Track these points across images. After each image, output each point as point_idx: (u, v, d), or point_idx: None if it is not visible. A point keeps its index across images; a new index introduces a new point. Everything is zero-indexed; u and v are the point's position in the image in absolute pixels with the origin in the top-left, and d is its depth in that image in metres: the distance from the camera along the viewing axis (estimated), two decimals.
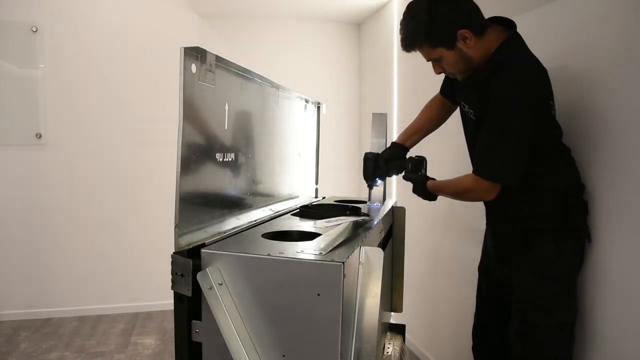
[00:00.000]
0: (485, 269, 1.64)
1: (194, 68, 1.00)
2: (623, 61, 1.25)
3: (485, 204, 1.54)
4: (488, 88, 1.31)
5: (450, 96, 1.68)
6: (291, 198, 1.83)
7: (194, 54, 0.99)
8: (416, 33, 1.40)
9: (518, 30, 1.38)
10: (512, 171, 1.30)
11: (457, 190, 1.47)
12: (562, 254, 1.34)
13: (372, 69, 3.50)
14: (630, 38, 1.23)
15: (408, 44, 1.45)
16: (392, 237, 1.74)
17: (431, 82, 2.57)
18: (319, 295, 0.87)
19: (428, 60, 1.45)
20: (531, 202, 1.37)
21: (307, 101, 1.99)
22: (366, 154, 1.71)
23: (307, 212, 1.52)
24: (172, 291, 0.98)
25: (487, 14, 1.40)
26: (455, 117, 1.74)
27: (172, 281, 0.97)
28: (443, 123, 1.79)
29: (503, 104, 1.28)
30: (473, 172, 1.37)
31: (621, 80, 1.26)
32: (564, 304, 1.35)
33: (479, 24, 1.35)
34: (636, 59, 1.21)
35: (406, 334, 1.82)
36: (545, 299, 1.35)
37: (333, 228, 1.15)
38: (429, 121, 1.77)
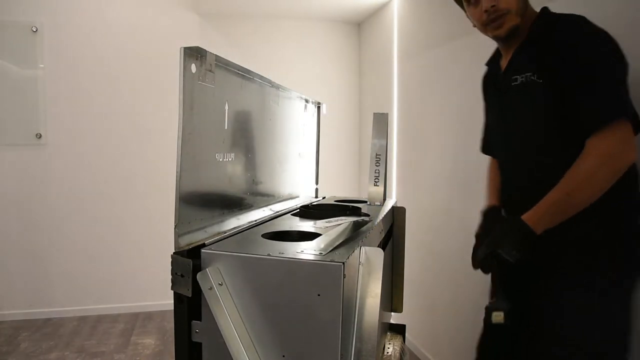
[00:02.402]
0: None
1: (194, 68, 1.00)
2: None
3: (516, 202, 1.22)
4: (550, 45, 1.11)
5: (488, 149, 1.49)
6: (291, 198, 1.83)
7: (194, 54, 0.99)
8: None
9: None
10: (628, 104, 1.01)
11: (588, 174, 1.02)
12: (627, 288, 1.07)
13: (372, 69, 3.50)
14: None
15: None
16: (392, 237, 1.74)
17: (431, 83, 2.58)
18: (319, 295, 0.87)
19: None
20: (596, 213, 1.05)
21: (307, 101, 1.99)
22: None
23: (307, 212, 1.52)
24: (172, 291, 0.98)
25: None
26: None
27: (172, 281, 0.97)
28: None
29: (588, 49, 1.05)
30: (591, 136, 1.02)
31: None
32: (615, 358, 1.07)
33: None
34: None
35: (406, 334, 1.82)
36: (589, 348, 1.06)
37: (333, 228, 1.15)
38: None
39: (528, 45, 1.18)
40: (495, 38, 1.27)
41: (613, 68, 1.04)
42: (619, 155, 1.01)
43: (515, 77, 1.19)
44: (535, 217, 1.08)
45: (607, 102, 1.02)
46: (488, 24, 1.22)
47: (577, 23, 1.09)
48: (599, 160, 1.01)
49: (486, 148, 1.50)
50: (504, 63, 1.29)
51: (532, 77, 1.13)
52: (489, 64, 1.41)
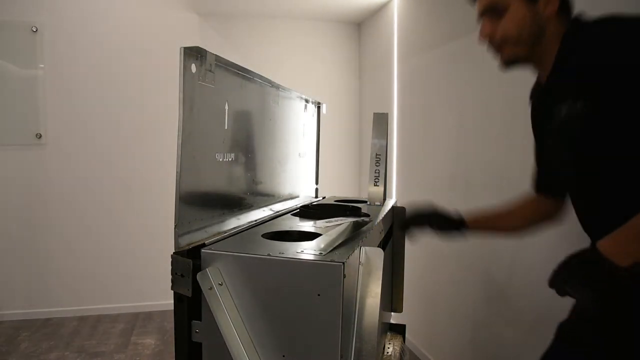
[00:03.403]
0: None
1: (193, 68, 1.00)
2: None
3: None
4: (585, 67, 0.93)
5: (554, 189, 1.24)
6: (291, 198, 1.83)
7: (194, 53, 0.99)
8: None
9: None
10: None
11: None
12: None
13: (372, 69, 3.50)
14: None
15: None
16: (392, 237, 1.74)
17: (431, 83, 2.58)
18: (319, 295, 0.87)
19: (483, 11, 1.08)
20: None
21: (307, 101, 1.99)
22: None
23: (307, 212, 1.52)
24: (172, 291, 0.98)
25: None
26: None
27: (172, 281, 0.97)
28: (532, 228, 1.33)
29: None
30: None
31: None
32: None
33: None
34: None
35: (406, 334, 1.82)
36: None
37: (333, 228, 1.15)
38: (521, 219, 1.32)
39: (560, 70, 1.02)
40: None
41: None
42: None
43: (559, 107, 1.01)
44: (615, 244, 0.86)
45: None
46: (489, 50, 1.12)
47: (611, 28, 0.91)
48: None
49: (541, 187, 1.29)
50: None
51: (575, 106, 0.96)
52: (532, 97, 1.22)
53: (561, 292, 0.92)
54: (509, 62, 1.08)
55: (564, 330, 1.10)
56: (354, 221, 1.21)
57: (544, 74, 1.07)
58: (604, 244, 0.86)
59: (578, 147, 1.00)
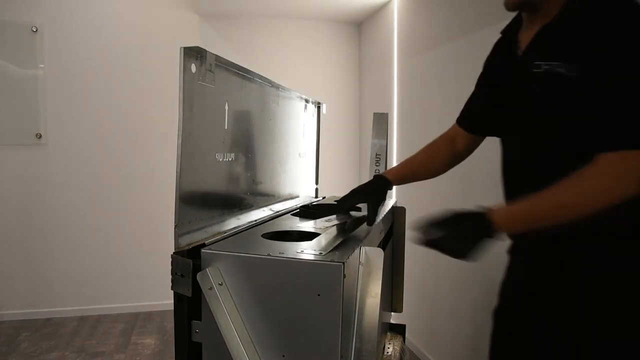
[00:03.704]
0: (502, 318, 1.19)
1: (193, 68, 1.00)
2: None
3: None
4: (582, 30, 0.92)
5: (473, 125, 1.30)
6: (291, 198, 1.83)
7: (194, 53, 0.99)
8: None
9: None
10: None
11: (589, 191, 0.88)
12: None
13: (372, 69, 3.50)
14: None
15: None
16: (392, 237, 1.74)
17: (431, 83, 2.58)
18: (319, 295, 0.87)
19: None
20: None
21: (307, 101, 1.99)
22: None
23: (307, 212, 1.52)
24: (172, 291, 0.98)
25: None
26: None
27: (172, 281, 0.97)
28: (447, 169, 1.40)
29: (628, 45, 0.86)
30: (606, 151, 0.86)
31: None
32: None
33: None
34: None
35: (406, 334, 1.82)
36: None
37: (333, 227, 1.15)
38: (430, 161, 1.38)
39: (558, 25, 0.97)
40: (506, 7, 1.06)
41: None
42: (623, 186, 0.85)
43: (538, 63, 0.97)
44: (508, 219, 0.93)
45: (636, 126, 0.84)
46: None
47: (622, 7, 0.88)
48: (607, 182, 0.86)
49: (467, 122, 1.33)
50: (524, 39, 1.06)
51: (560, 70, 0.93)
52: (504, 32, 1.17)
53: (432, 243, 0.99)
54: (518, 5, 1.03)
55: (498, 315, 1.15)
56: (354, 219, 1.21)
57: (536, 23, 1.03)
58: (498, 214, 0.92)
59: (539, 102, 1.01)
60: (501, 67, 1.17)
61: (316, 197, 2.10)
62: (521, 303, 1.11)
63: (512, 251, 1.19)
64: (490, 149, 2.17)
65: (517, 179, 1.14)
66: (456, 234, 0.97)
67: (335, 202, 1.32)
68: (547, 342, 1.00)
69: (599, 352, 0.94)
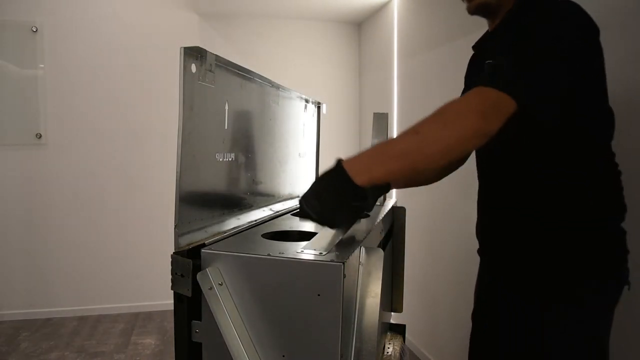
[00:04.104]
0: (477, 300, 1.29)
1: (193, 68, 1.00)
2: None
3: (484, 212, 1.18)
4: (516, 24, 1.01)
5: None
6: (291, 198, 1.83)
7: (194, 53, 0.99)
8: None
9: None
10: (546, 94, 0.88)
11: (440, 116, 0.92)
12: (600, 304, 0.99)
13: (372, 69, 3.50)
14: None
15: None
16: (392, 237, 1.74)
17: (431, 83, 2.58)
18: (319, 295, 0.87)
19: None
20: (563, 216, 0.99)
21: (307, 101, 1.99)
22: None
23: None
24: (172, 291, 0.98)
25: None
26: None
27: (172, 281, 0.97)
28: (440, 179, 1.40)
29: (543, 28, 0.91)
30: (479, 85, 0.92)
31: None
32: None
33: None
34: None
35: (406, 334, 1.82)
36: None
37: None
38: None
39: (502, 27, 1.07)
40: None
41: (563, 58, 0.89)
42: (469, 121, 0.88)
43: (489, 61, 1.03)
44: (359, 159, 0.87)
45: (514, 76, 0.88)
46: None
47: (553, 5, 0.94)
48: (458, 106, 0.91)
49: None
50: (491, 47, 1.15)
51: (499, 62, 0.97)
52: (476, 47, 1.27)
53: (306, 212, 0.90)
54: (477, 9, 1.11)
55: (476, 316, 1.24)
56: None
57: (493, 26, 1.13)
58: (347, 162, 0.86)
59: None
60: (474, 78, 1.27)
61: None
62: (487, 304, 1.20)
63: (479, 251, 1.26)
64: None
65: (483, 173, 1.26)
66: (317, 188, 0.88)
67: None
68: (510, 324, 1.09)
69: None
